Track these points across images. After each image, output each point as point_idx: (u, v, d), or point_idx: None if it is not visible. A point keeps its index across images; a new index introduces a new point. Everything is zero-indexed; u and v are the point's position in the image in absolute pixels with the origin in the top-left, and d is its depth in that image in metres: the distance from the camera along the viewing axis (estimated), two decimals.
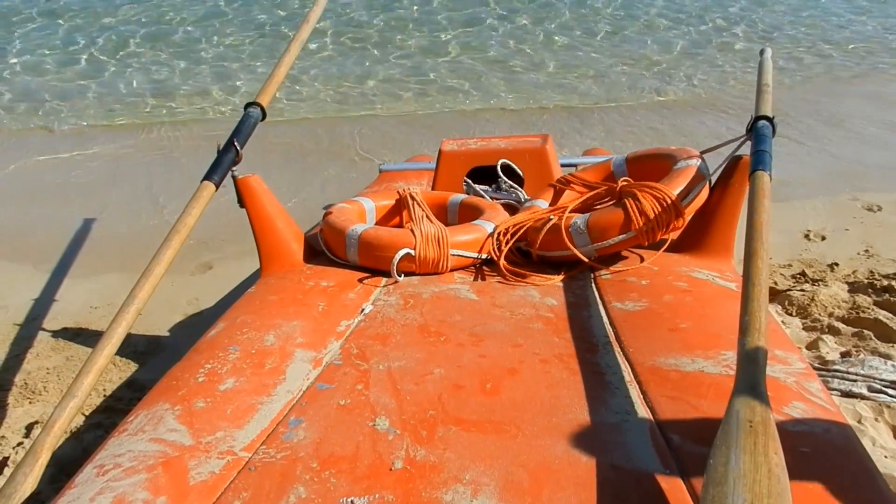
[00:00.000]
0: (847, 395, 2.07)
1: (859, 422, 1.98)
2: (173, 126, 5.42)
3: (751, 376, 1.15)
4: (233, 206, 2.14)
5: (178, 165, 4.76)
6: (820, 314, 2.63)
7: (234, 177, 2.13)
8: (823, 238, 3.41)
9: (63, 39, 7.08)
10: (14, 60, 6.71)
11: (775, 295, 2.80)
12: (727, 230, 2.01)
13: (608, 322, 1.69)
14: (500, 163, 2.66)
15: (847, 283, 2.90)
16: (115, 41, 6.99)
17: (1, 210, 4.19)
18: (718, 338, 1.51)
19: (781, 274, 3.01)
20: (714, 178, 2.06)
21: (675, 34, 7.10)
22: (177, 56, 6.65)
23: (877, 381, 2.09)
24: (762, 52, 2.45)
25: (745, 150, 1.96)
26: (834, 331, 2.51)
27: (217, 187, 2.05)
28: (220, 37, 7.07)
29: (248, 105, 2.28)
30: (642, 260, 1.99)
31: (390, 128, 5.29)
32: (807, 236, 3.43)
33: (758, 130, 1.93)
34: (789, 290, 2.84)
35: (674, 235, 2.06)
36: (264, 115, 2.30)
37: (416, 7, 7.74)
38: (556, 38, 6.94)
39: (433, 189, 2.78)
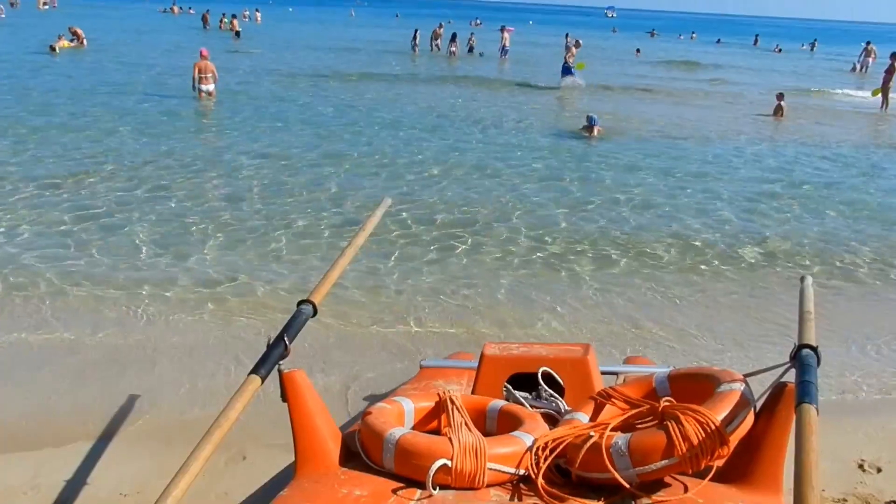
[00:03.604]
0: None
1: None
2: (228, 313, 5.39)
3: None
4: (274, 393, 2.16)
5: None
6: None
7: (279, 371, 2.17)
8: (879, 470, 3.23)
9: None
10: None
11: None
12: (775, 463, 1.94)
13: None
14: (540, 371, 2.67)
15: None
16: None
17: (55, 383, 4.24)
18: None
19: None
20: (759, 404, 2.03)
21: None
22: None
23: None
24: (803, 280, 2.50)
25: (790, 376, 1.95)
26: None
27: (263, 381, 2.09)
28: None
29: (300, 302, 2.38)
30: (686, 489, 1.91)
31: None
32: (861, 466, 3.26)
33: (802, 359, 1.93)
34: None
35: (719, 463, 1.99)
36: (315, 312, 2.39)
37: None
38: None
39: (473, 391, 2.78)
